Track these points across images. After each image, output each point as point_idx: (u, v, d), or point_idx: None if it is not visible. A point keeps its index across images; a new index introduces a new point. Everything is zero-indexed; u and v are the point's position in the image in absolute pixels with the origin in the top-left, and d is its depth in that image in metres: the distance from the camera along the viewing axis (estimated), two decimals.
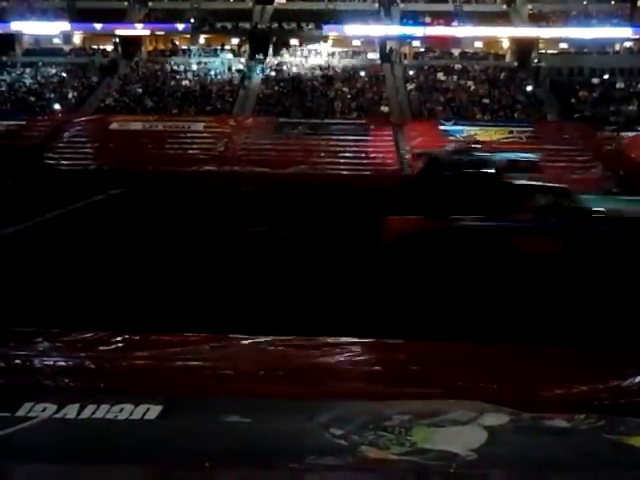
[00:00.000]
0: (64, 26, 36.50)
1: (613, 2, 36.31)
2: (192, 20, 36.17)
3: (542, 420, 3.31)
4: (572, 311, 7.23)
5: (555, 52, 36.43)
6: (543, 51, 36.08)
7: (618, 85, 32.84)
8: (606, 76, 33.37)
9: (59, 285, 7.87)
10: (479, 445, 3.01)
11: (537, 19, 35.35)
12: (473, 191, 14.67)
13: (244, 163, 25.97)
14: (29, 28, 36.35)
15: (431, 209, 12.10)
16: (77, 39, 38.35)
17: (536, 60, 35.05)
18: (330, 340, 4.97)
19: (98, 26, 35.54)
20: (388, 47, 36.02)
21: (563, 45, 36.65)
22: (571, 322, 6.48)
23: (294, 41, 37.76)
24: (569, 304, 7.55)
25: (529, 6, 36.38)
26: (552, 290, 8.17)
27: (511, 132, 29.26)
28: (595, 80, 33.16)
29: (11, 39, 36.62)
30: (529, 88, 33.10)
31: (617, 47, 36.06)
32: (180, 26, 36.17)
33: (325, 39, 36.88)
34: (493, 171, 17.36)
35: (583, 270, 9.06)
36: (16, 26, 35.99)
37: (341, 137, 28.45)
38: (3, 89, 33.35)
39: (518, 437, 3.12)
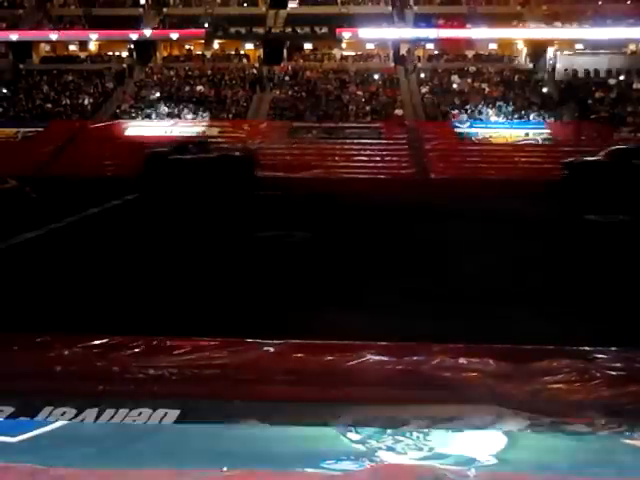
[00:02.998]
0: (81, 33, 36.88)
1: (629, 2, 35.97)
2: (206, 25, 36.34)
3: (562, 424, 3.27)
4: None
5: (571, 53, 36.16)
6: (558, 52, 35.81)
7: (635, 86, 32.50)
8: (622, 77, 33.07)
9: (76, 290, 7.92)
10: (498, 449, 2.99)
11: (552, 20, 35.09)
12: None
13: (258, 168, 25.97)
14: (46, 35, 36.72)
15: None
16: (93, 46, 38.69)
17: (551, 61, 34.80)
18: (346, 343, 4.96)
19: (114, 32, 35.81)
20: (403, 50, 35.98)
21: (579, 46, 36.35)
22: None
23: (308, 45, 37.83)
24: None
25: (544, 7, 36.16)
26: None
27: (527, 134, 29.09)
28: (611, 81, 32.88)
29: (28, 47, 37.06)
30: (544, 90, 32.90)
31: (633, 47, 35.70)
32: (194, 32, 36.34)
33: (339, 43, 36.91)
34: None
35: None
36: (33, 34, 36.40)
37: (355, 141, 28.44)
38: (21, 96, 33.72)
39: (537, 442, 3.09)
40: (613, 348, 4.64)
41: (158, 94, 33.43)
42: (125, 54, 37.65)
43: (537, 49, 35.36)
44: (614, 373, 4.16)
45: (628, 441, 3.18)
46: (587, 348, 4.67)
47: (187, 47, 38.43)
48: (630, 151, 19.47)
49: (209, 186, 16.90)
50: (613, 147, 20.41)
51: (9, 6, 38.15)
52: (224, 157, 20.80)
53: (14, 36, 35.61)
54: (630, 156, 18.84)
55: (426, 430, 3.27)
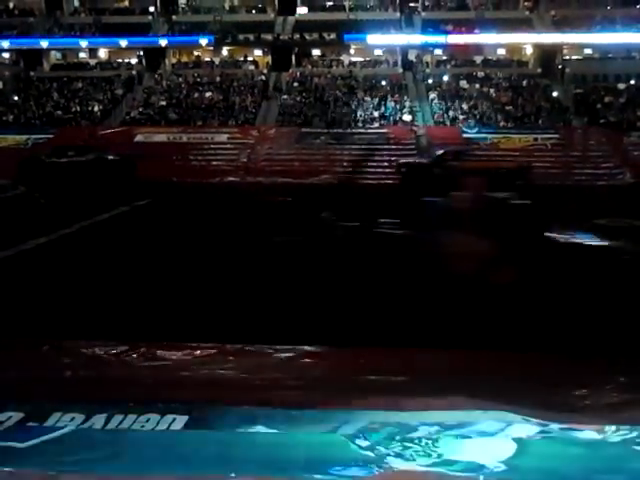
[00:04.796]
0: (90, 41, 37.17)
1: (638, 6, 35.85)
2: (215, 32, 36.51)
3: (572, 431, 3.24)
4: None
5: (579, 58, 36.07)
6: (567, 57, 35.74)
7: None
8: (632, 81, 32.96)
9: (86, 296, 7.94)
10: (507, 456, 2.96)
11: (561, 25, 35.03)
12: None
13: (267, 173, 26.05)
14: (56, 43, 37.04)
15: None
16: (102, 53, 38.96)
17: (560, 66, 34.73)
18: (354, 349, 4.94)
19: (123, 41, 36.02)
20: (412, 56, 36.02)
21: (587, 51, 36.25)
22: None
23: (316, 51, 37.94)
24: None
25: (552, 12, 36.09)
26: None
27: (536, 139, 29.01)
28: (621, 85, 32.77)
29: (39, 54, 37.39)
30: (554, 94, 32.82)
31: None
32: (203, 39, 36.53)
33: (347, 49, 36.98)
34: None
35: None
36: (43, 42, 36.70)
37: (364, 146, 28.44)
38: (31, 103, 33.98)
39: (547, 448, 3.06)
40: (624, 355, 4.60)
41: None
42: (134, 61, 37.88)
43: (546, 54, 35.29)
44: (625, 379, 4.13)
45: None
46: (598, 355, 4.64)
47: (196, 54, 38.62)
48: (452, 153, 20.44)
49: (81, 185, 18.05)
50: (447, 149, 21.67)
51: (20, 14, 38.48)
52: (99, 160, 22.50)
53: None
54: (448, 157, 19.58)
55: (435, 436, 3.26)
